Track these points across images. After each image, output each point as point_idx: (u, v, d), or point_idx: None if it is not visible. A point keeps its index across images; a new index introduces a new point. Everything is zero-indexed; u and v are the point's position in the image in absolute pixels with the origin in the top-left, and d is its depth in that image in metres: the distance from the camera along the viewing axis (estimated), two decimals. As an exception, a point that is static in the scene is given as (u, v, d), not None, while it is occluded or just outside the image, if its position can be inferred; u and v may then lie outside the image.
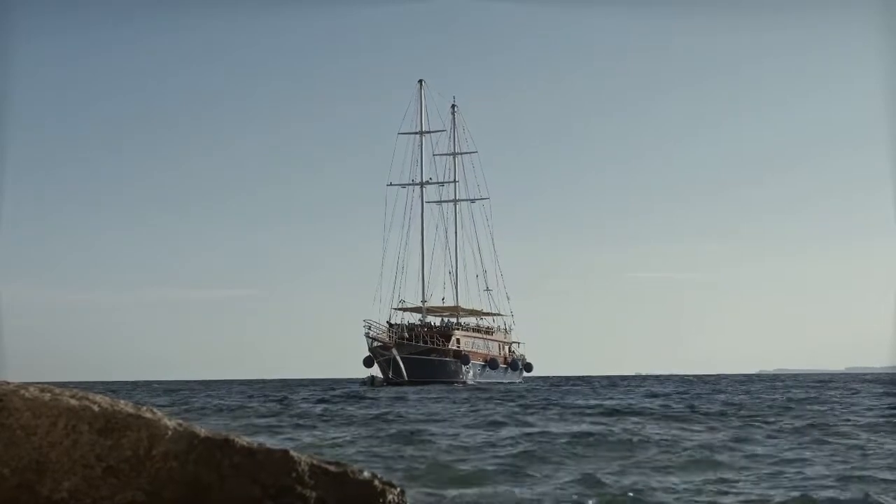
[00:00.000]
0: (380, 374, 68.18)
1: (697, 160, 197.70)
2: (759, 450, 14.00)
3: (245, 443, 4.75)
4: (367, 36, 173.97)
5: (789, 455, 13.29)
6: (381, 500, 4.80)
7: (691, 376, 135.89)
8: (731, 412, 24.33)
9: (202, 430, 4.77)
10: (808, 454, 13.42)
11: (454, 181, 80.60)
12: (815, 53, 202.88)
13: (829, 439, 15.57)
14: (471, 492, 10.01)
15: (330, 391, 51.52)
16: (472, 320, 79.48)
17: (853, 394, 39.01)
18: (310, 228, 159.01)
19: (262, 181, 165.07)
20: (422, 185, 76.48)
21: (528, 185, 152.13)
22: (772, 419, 21.00)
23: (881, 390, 44.34)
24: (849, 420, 20.39)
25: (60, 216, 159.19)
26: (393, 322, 71.42)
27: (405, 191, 76.36)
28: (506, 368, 79.56)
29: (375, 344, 67.69)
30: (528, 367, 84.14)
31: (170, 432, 4.68)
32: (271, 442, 9.14)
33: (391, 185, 75.67)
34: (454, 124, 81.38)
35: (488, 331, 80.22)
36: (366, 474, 4.83)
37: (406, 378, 65.96)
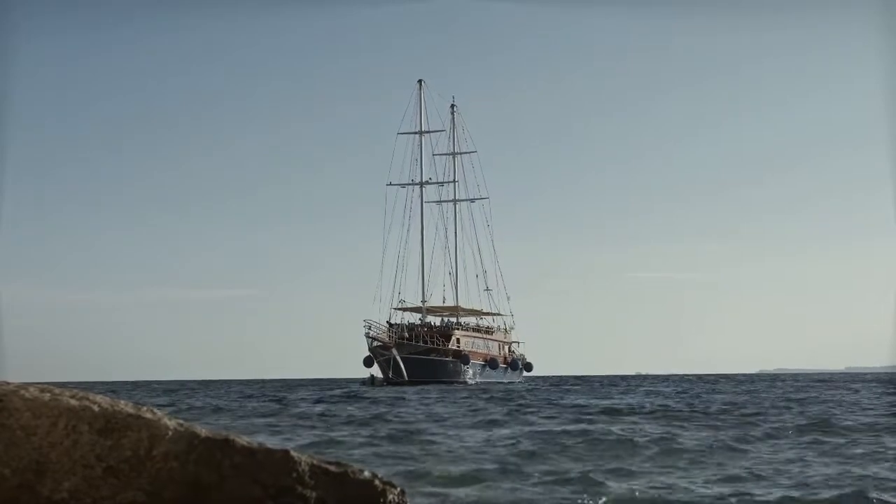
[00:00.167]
0: (380, 374, 68.18)
1: (697, 160, 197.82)
2: (759, 448, 14.00)
3: (245, 443, 4.75)
4: (367, 36, 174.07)
5: (790, 455, 13.29)
6: (381, 500, 4.80)
7: (692, 376, 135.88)
8: (732, 412, 24.33)
9: (202, 430, 4.76)
10: (808, 453, 13.42)
11: (454, 181, 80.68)
12: (815, 53, 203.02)
13: (830, 439, 15.57)
14: (471, 491, 10.01)
15: (330, 391, 51.52)
16: (471, 320, 79.46)
17: (854, 393, 39.02)
18: (310, 228, 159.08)
19: (262, 181, 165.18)
20: (421, 184, 76.51)
21: (528, 185, 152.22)
22: (773, 419, 21.00)
23: (881, 390, 44.35)
24: (849, 420, 20.39)
25: (60, 216, 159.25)
26: (393, 322, 71.46)
27: (405, 191, 76.45)
28: (506, 368, 79.56)
29: (375, 344, 67.68)
30: (528, 367, 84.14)
31: (170, 432, 4.68)
32: (271, 442, 9.14)
33: (391, 184, 75.75)
34: (454, 124, 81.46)
35: (488, 331, 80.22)
36: (366, 474, 4.82)
37: (406, 378, 65.95)
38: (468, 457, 12.96)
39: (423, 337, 70.09)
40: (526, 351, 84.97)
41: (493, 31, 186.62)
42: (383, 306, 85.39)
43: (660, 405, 28.82)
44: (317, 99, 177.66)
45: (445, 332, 72.77)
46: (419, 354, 68.33)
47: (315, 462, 4.78)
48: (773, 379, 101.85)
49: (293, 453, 4.77)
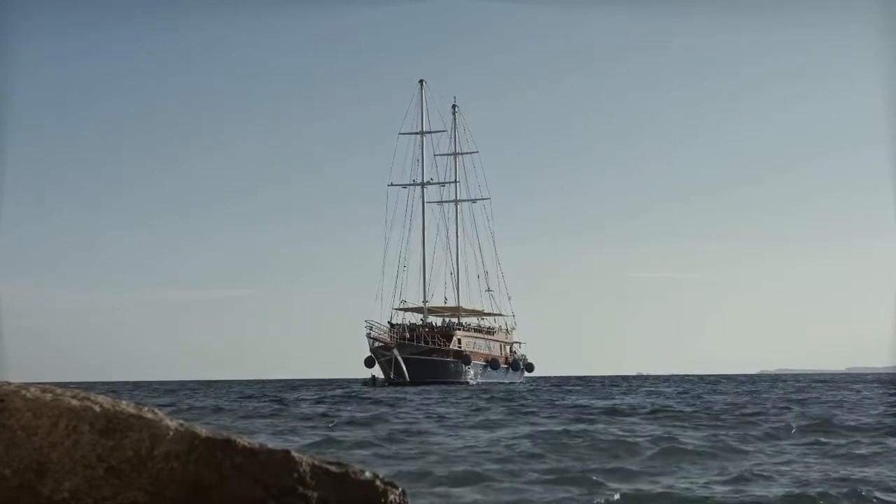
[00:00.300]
0: (381, 375, 68.19)
1: (697, 160, 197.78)
2: (760, 449, 13.99)
3: (246, 443, 4.75)
4: (367, 36, 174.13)
5: (791, 456, 13.29)
6: (382, 501, 4.80)
7: (693, 376, 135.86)
8: (733, 412, 24.32)
9: (203, 430, 4.77)
10: (809, 454, 13.41)
11: (455, 181, 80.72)
12: (815, 53, 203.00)
13: (831, 440, 15.56)
14: (472, 492, 10.01)
15: (331, 391, 51.52)
16: (473, 320, 79.47)
17: (855, 394, 39.01)
18: (310, 228, 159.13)
19: (262, 181, 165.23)
20: (423, 185, 76.56)
21: (528, 185, 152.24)
22: (774, 419, 20.98)
23: (882, 390, 44.33)
24: (851, 421, 20.38)
25: (60, 216, 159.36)
26: (394, 322, 71.47)
27: (406, 191, 76.50)
28: (507, 369, 79.56)
29: (377, 344, 67.69)
30: (530, 368, 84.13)
31: (171, 433, 4.68)
32: (272, 442, 9.14)
33: (392, 185, 75.80)
34: (455, 124, 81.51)
35: (490, 331, 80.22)
36: (367, 474, 4.82)
37: (407, 378, 65.95)
38: (469, 457, 12.95)
39: (425, 337, 70.09)
40: (527, 351, 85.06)
41: (493, 31, 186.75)
42: (384, 307, 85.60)
43: (661, 406, 28.81)
44: (317, 99, 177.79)
45: (447, 333, 72.79)
46: (420, 355, 68.34)
47: (316, 462, 4.78)
48: (774, 380, 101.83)
49: (294, 454, 4.77)
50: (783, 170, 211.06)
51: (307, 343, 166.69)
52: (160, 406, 17.48)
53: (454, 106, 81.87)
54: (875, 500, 9.42)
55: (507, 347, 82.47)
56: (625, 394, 43.21)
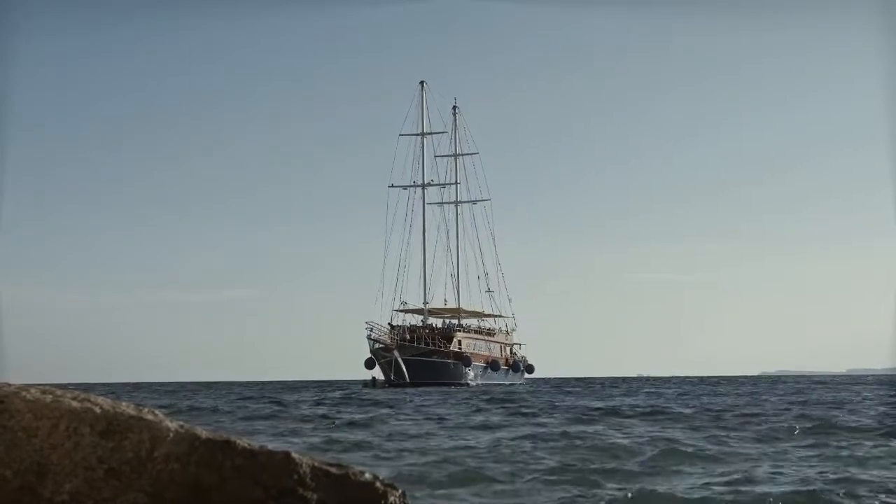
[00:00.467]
0: (381, 376, 68.19)
1: (697, 160, 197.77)
2: (761, 450, 14.00)
3: (246, 444, 4.76)
4: (367, 36, 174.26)
5: (790, 457, 13.29)
6: (382, 502, 4.80)
7: (693, 378, 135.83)
8: (733, 413, 24.32)
9: (203, 431, 4.77)
10: (809, 455, 13.42)
11: (455, 183, 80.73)
12: (815, 53, 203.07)
13: (831, 441, 15.57)
14: (472, 492, 10.02)
15: (331, 393, 51.52)
16: (473, 322, 79.47)
17: (855, 395, 39.01)
18: (310, 229, 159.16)
19: (262, 181, 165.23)
20: (423, 186, 76.56)
21: (529, 186, 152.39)
22: (774, 420, 20.99)
23: (883, 391, 44.33)
24: (851, 422, 20.38)
25: (60, 216, 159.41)
26: (394, 324, 71.46)
27: (406, 192, 76.53)
28: (507, 370, 79.55)
29: (377, 345, 67.70)
30: (530, 369, 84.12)
31: (171, 434, 4.68)
32: (272, 444, 9.15)
33: (392, 186, 75.81)
34: (455, 125, 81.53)
35: (490, 332, 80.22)
36: (367, 476, 4.83)
37: (408, 380, 65.95)
38: (469, 458, 12.96)
39: (425, 339, 70.10)
40: (527, 352, 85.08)
41: (493, 31, 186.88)
42: (385, 308, 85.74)
43: (660, 407, 28.81)
44: (317, 99, 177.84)
45: (447, 334, 72.79)
46: (421, 356, 68.34)
47: (316, 464, 4.79)
48: (773, 381, 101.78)
49: (294, 455, 4.77)
50: (783, 170, 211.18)
51: (307, 344, 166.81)
52: (160, 407, 17.49)
53: (454, 107, 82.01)
54: (876, 502, 9.42)
55: (508, 349, 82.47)
56: (625, 395, 43.20)
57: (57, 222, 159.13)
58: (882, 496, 9.65)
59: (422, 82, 76.60)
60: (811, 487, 10.12)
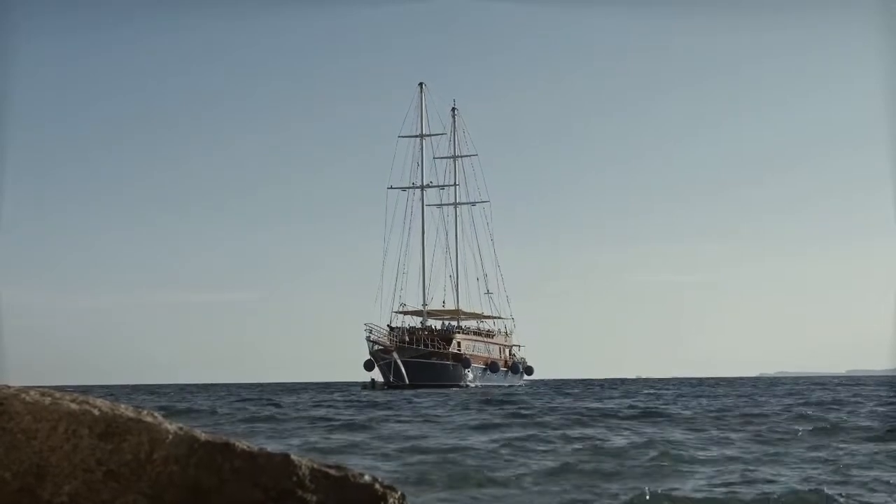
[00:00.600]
0: (380, 378, 68.19)
1: (697, 160, 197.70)
2: (759, 450, 14.00)
3: (246, 447, 4.76)
4: (367, 36, 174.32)
5: (789, 457, 13.30)
6: (381, 504, 4.80)
7: (693, 379, 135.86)
8: (733, 415, 24.32)
9: (203, 434, 4.77)
10: (809, 456, 13.42)
11: (454, 184, 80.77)
12: (815, 53, 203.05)
13: (831, 442, 15.57)
14: (472, 493, 10.01)
15: (330, 394, 51.51)
16: (472, 323, 79.50)
17: (854, 396, 39.01)
18: (309, 229, 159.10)
19: (262, 181, 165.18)
20: (422, 188, 76.59)
21: (528, 187, 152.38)
22: (773, 421, 20.99)
23: (883, 392, 44.35)
24: (851, 423, 20.38)
25: (60, 216, 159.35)
26: (394, 325, 71.45)
27: (405, 194, 76.56)
28: (506, 372, 79.57)
29: (376, 347, 67.71)
30: (529, 371, 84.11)
31: (170, 436, 4.68)
32: (271, 445, 9.15)
33: (391, 188, 75.83)
34: (454, 127, 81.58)
35: (489, 334, 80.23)
36: (366, 478, 4.83)
37: (407, 381, 65.94)
38: (469, 459, 12.96)
39: (424, 340, 70.10)
40: (526, 354, 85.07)
41: (493, 32, 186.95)
42: (384, 309, 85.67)
43: (660, 408, 28.81)
44: (317, 99, 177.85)
45: (446, 336, 72.79)
46: (420, 358, 68.33)
47: (315, 466, 4.78)
48: (773, 382, 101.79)
49: (293, 457, 4.77)
50: (783, 170, 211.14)
51: (306, 345, 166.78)
52: (159, 409, 17.50)
53: (454, 109, 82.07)
54: (877, 502, 9.42)
55: (507, 350, 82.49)
56: (624, 396, 43.20)
57: (57, 222, 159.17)
58: (885, 497, 9.65)
59: (421, 84, 76.71)
60: (812, 488, 10.12)
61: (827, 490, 9.98)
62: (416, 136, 76.15)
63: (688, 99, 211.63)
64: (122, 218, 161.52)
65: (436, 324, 75.74)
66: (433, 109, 78.83)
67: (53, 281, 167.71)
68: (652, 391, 53.93)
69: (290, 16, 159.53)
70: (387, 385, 66.38)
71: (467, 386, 69.81)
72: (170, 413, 25.69)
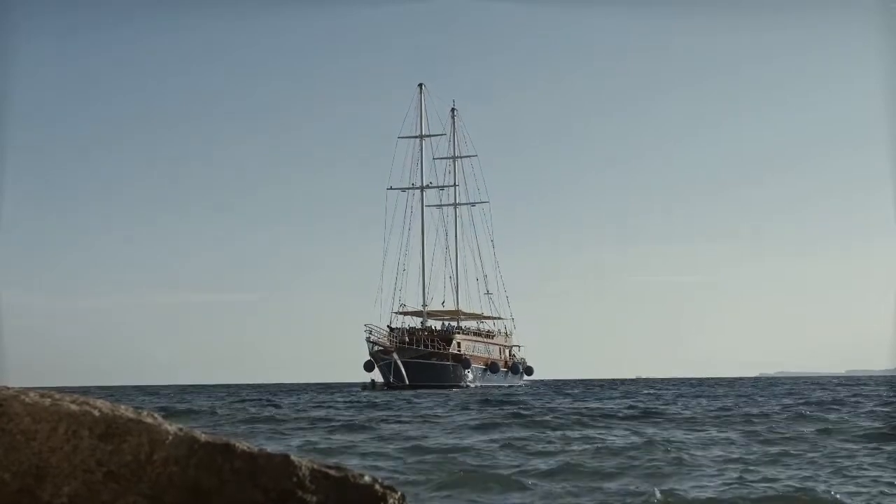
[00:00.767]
0: (380, 378, 68.21)
1: (697, 160, 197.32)
2: (759, 451, 14.00)
3: (246, 447, 4.75)
4: (367, 36, 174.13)
5: (788, 459, 13.30)
6: (381, 505, 4.80)
7: (693, 380, 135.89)
8: (733, 415, 24.33)
9: (203, 434, 4.77)
10: (809, 455, 13.42)
11: (454, 185, 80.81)
12: (815, 53, 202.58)
13: (831, 442, 15.57)
14: (471, 494, 10.01)
15: (330, 395, 51.51)
16: (472, 324, 79.54)
17: (853, 397, 39.01)
18: (309, 229, 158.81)
19: (262, 181, 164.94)
20: (422, 189, 76.62)
21: (528, 187, 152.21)
22: (773, 422, 20.99)
23: (884, 392, 44.35)
24: (851, 424, 20.38)
25: (60, 216, 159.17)
26: (394, 326, 71.47)
27: (405, 194, 76.58)
28: (506, 372, 79.59)
29: (376, 348, 67.72)
30: (529, 371, 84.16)
31: (170, 437, 4.68)
32: (271, 446, 9.14)
33: (391, 188, 75.85)
34: (454, 128, 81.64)
35: (489, 334, 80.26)
36: (366, 479, 4.82)
37: (407, 382, 65.95)
38: (468, 460, 12.96)
39: (424, 341, 70.12)
40: (526, 354, 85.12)
41: (493, 32, 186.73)
42: (384, 310, 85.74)
43: (660, 409, 28.82)
44: (317, 99, 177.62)
45: (446, 336, 72.80)
46: (420, 358, 68.35)
47: (315, 466, 4.78)
48: (773, 382, 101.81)
49: (293, 458, 4.77)
50: (783, 170, 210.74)
51: (306, 346, 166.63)
52: (158, 410, 17.49)
53: (453, 109, 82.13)
54: (877, 502, 9.43)
55: (507, 351, 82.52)
56: (624, 397, 43.21)
57: (57, 222, 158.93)
58: (885, 497, 9.65)
59: (420, 85, 76.75)
60: (812, 488, 10.12)
61: (827, 490, 9.98)
62: (416, 137, 76.22)
63: (688, 99, 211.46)
64: (122, 218, 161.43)
65: (436, 324, 75.78)
66: (433, 110, 79.07)
67: (53, 281, 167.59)
68: (652, 391, 53.94)
69: (290, 16, 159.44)
70: (387, 386, 66.38)
71: (467, 386, 69.82)
72: (169, 414, 25.70)
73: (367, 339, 67.73)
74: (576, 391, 56.86)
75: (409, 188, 76.23)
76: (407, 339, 69.83)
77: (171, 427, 4.73)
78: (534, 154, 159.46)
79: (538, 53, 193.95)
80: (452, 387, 67.54)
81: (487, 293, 79.75)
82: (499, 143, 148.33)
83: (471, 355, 73.34)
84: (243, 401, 42.13)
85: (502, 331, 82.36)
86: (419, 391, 57.31)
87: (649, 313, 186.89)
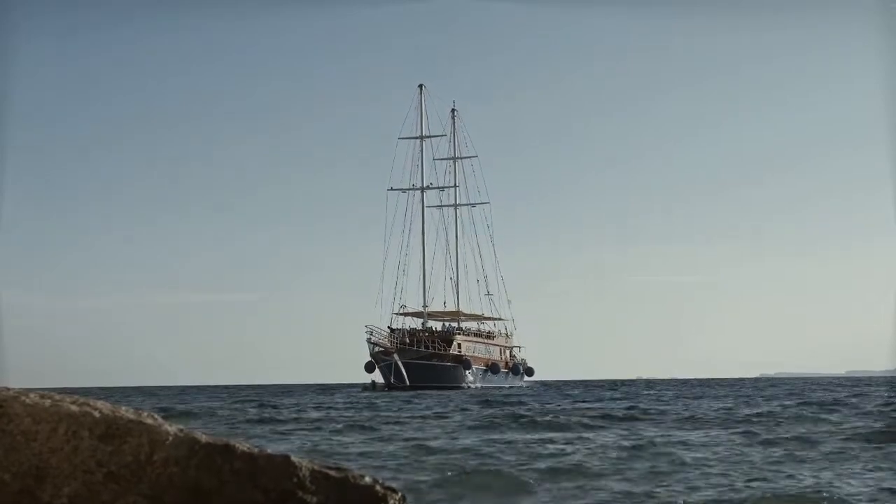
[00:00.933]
0: (381, 379, 68.20)
1: (697, 160, 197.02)
2: (759, 451, 13.99)
3: (246, 448, 4.75)
4: (367, 36, 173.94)
5: (787, 459, 13.29)
6: (382, 505, 4.80)
7: (694, 380, 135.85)
8: (733, 416, 24.32)
9: (203, 435, 4.77)
10: (809, 456, 13.42)
11: (454, 186, 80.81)
12: (815, 53, 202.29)
13: (831, 442, 15.56)
14: (471, 495, 10.01)
15: (330, 396, 51.52)
16: (473, 325, 79.52)
17: (853, 397, 39.00)
18: (309, 230, 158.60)
19: (262, 181, 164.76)
20: (422, 189, 76.62)
21: (528, 188, 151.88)
22: (773, 423, 20.98)
23: (884, 392, 44.33)
24: (851, 424, 20.38)
25: (60, 216, 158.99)
26: (394, 327, 71.47)
27: (406, 195, 76.56)
28: (507, 373, 79.57)
29: (377, 349, 67.72)
30: (530, 372, 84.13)
31: (171, 438, 4.68)
32: (272, 447, 9.14)
33: (392, 189, 75.86)
34: (454, 129, 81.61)
35: (489, 335, 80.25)
36: (367, 479, 4.82)
37: (407, 383, 65.92)
38: (469, 460, 12.95)
39: (425, 342, 70.11)
40: (527, 354, 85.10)
41: (493, 32, 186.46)
42: (384, 311, 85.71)
43: (660, 409, 28.81)
44: (317, 99, 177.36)
45: (447, 337, 72.79)
46: (420, 359, 68.33)
47: (316, 467, 4.78)
48: (774, 382, 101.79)
49: (294, 458, 4.77)
50: (783, 170, 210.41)
51: (306, 347, 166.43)
52: (158, 411, 17.49)
53: (453, 110, 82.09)
54: (876, 502, 9.42)
55: (507, 352, 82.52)
56: (625, 397, 43.21)
57: (57, 222, 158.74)
58: (886, 497, 9.64)
59: (420, 85, 76.73)
60: (813, 488, 10.11)
61: (828, 490, 9.97)
62: (416, 138, 76.20)
63: (688, 99, 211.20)
64: (122, 218, 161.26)
65: (436, 325, 75.79)
66: (433, 111, 78.87)
67: (53, 281, 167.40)
68: (652, 392, 53.94)
69: (290, 16, 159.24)
70: (387, 387, 66.35)
71: (468, 387, 69.78)
72: (170, 415, 25.69)
73: (368, 340, 67.74)
74: (576, 392, 56.85)
75: (409, 189, 76.27)
76: (407, 340, 69.82)
77: (172, 428, 4.73)
78: (534, 154, 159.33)
79: (538, 53, 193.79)
80: (453, 388, 67.50)
81: (488, 294, 79.84)
82: (499, 143, 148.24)
83: (471, 356, 73.32)
84: (243, 401, 42.12)
85: (503, 331, 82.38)
86: (420, 392, 57.30)
87: (649, 313, 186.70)
